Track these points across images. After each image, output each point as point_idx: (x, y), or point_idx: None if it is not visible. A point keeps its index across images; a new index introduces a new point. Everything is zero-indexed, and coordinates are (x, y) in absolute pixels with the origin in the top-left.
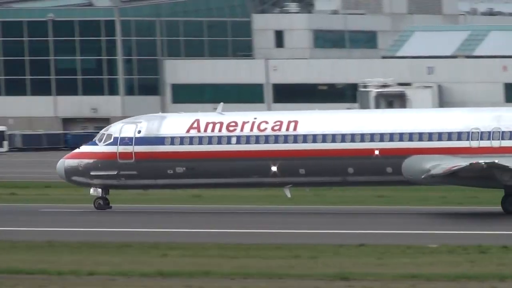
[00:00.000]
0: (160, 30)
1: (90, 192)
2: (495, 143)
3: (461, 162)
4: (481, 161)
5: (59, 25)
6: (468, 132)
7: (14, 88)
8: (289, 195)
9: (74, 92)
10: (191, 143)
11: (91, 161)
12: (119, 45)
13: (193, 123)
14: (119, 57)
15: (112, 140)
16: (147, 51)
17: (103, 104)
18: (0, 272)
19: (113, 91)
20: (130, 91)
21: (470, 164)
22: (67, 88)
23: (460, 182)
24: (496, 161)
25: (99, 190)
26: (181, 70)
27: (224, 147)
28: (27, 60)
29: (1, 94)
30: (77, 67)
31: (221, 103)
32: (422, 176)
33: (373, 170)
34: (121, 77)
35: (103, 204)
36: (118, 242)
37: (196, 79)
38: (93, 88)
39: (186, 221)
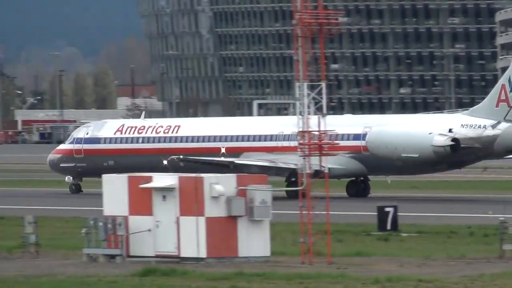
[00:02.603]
0: None
1: (65, 180)
2: (292, 143)
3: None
4: (174, 156)
5: None
6: (277, 135)
7: None
8: None
9: None
10: (115, 142)
11: (59, 156)
12: None
13: (119, 127)
14: None
15: (72, 140)
16: None
17: None
18: None
19: None
20: None
21: (170, 158)
22: None
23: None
24: (181, 156)
25: (71, 177)
26: None
27: (134, 146)
28: None
29: None
30: None
31: (143, 112)
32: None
33: (224, 164)
34: None
35: (75, 189)
36: None
37: None
38: None
39: None
